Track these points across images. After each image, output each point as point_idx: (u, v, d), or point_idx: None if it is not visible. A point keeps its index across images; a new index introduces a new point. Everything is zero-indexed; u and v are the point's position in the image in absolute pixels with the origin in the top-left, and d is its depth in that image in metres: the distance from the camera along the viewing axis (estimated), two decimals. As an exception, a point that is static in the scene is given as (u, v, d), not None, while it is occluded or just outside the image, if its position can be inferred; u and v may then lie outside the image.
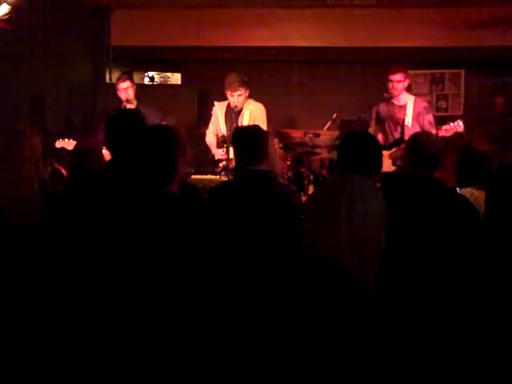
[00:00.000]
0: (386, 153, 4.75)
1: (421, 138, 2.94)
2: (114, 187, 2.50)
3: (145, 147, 2.10)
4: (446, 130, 4.56)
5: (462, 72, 7.34)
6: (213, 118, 4.82)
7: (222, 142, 4.53)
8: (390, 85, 4.79)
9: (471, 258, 2.41)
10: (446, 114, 7.29)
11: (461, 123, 4.55)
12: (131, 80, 5.26)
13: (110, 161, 2.86)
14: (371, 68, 7.03)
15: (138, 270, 1.89)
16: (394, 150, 4.71)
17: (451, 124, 4.57)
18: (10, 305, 2.54)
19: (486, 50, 6.76)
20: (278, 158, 3.55)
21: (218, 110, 4.71)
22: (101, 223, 2.08)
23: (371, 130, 4.96)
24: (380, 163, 2.69)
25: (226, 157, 4.31)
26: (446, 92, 7.43)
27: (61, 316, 2.25)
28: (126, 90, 5.12)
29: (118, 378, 1.85)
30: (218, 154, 4.65)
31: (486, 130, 5.37)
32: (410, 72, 7.00)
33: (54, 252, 2.55)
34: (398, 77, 4.78)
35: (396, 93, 4.79)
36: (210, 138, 4.82)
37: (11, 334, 2.50)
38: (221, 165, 4.47)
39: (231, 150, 4.17)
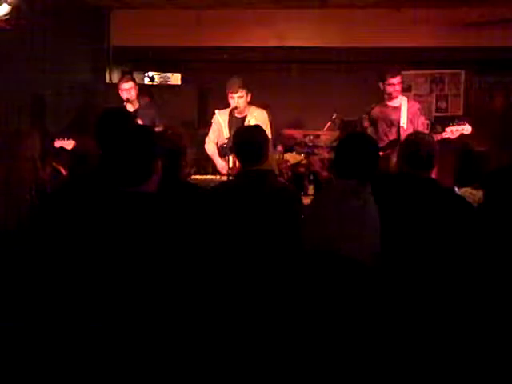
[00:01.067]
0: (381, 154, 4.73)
1: (415, 138, 2.95)
2: (99, 187, 2.54)
3: (119, 147, 2.13)
4: (451, 131, 4.44)
5: (462, 72, 7.34)
6: (213, 127, 4.77)
7: (223, 152, 4.50)
8: (391, 88, 4.77)
9: (470, 255, 2.41)
10: (445, 114, 7.30)
11: (468, 126, 4.42)
12: (134, 81, 5.25)
13: (100, 160, 2.88)
14: (371, 68, 7.02)
15: (117, 267, 1.91)
16: (389, 151, 4.69)
17: (457, 126, 4.45)
18: (5, 300, 2.56)
19: (486, 50, 6.75)
20: (274, 160, 3.54)
21: (220, 118, 4.66)
22: (83, 221, 2.11)
23: (368, 132, 4.92)
24: (377, 164, 2.68)
25: (229, 167, 4.28)
26: (445, 92, 7.43)
27: (54, 310, 2.27)
28: (128, 91, 5.12)
29: (113, 377, 1.86)
30: (221, 165, 4.59)
31: (486, 129, 5.36)
32: (410, 72, 7.05)
33: (44, 250, 2.57)
34: (398, 79, 4.78)
35: (396, 95, 4.79)
36: (210, 148, 4.76)
37: (8, 330, 2.52)
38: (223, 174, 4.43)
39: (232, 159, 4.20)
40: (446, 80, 7.42)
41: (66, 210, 2.54)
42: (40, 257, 2.52)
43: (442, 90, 7.43)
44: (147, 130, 2.24)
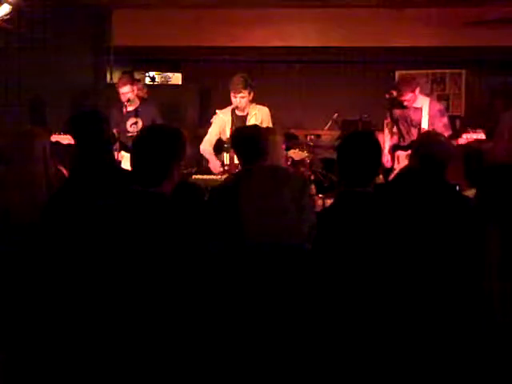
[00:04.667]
0: (403, 153, 4.76)
1: (429, 138, 2.97)
2: (101, 186, 2.55)
3: (138, 146, 2.11)
4: (467, 139, 4.57)
5: (463, 72, 7.35)
6: (212, 127, 4.76)
7: (224, 149, 4.52)
8: (404, 101, 4.75)
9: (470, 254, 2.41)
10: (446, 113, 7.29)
11: (483, 135, 4.57)
12: (131, 83, 5.24)
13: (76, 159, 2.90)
14: (371, 68, 7.03)
15: (123, 263, 1.91)
16: (410, 151, 4.67)
17: (473, 134, 4.58)
18: (10, 299, 2.57)
19: (486, 49, 6.75)
20: (281, 157, 3.54)
21: (224, 116, 4.66)
22: (87, 220, 2.11)
23: (386, 130, 5.01)
24: (379, 164, 2.68)
25: (225, 164, 4.31)
26: (446, 92, 7.43)
27: (56, 310, 2.27)
28: (124, 95, 5.16)
29: (112, 376, 1.86)
30: (214, 165, 4.61)
31: (487, 129, 5.36)
32: (411, 72, 7.05)
33: (49, 249, 2.58)
34: (408, 96, 4.72)
35: (411, 105, 4.78)
36: (207, 147, 4.75)
37: (12, 327, 2.52)
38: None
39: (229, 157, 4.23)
40: (447, 80, 7.43)
41: (73, 208, 2.55)
42: (49, 254, 2.53)
43: (443, 89, 7.44)
44: (174, 132, 2.17)
